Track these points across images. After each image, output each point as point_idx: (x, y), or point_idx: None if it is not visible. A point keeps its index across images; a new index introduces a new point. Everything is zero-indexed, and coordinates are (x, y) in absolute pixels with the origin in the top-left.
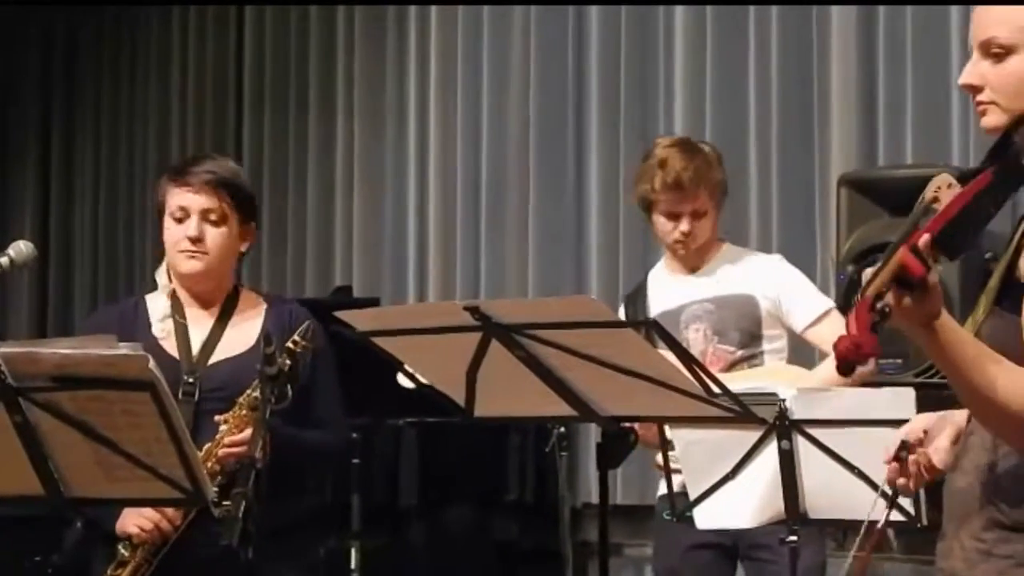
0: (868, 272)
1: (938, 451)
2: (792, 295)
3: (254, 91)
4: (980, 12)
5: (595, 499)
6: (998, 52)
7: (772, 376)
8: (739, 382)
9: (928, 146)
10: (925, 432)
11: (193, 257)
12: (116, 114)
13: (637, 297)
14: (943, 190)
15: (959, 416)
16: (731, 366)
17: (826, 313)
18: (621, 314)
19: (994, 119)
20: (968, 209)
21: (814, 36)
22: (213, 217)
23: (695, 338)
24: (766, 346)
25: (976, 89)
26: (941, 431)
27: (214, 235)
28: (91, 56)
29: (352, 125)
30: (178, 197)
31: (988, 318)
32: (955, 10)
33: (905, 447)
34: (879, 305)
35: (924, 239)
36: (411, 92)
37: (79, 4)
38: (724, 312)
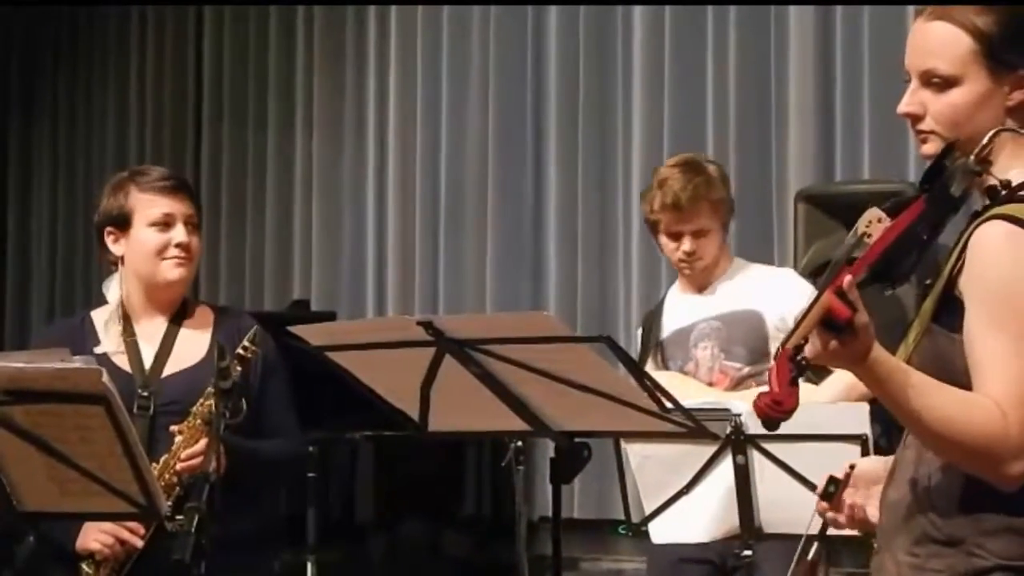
0: (796, 316)
1: (876, 506)
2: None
3: (213, 103)
4: (916, 37)
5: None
6: (938, 83)
7: None
8: (735, 400)
9: (885, 161)
10: (851, 472)
11: (181, 264)
12: (73, 123)
13: (654, 318)
14: (873, 224)
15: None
16: (738, 383)
17: None
18: (639, 335)
19: (934, 148)
20: (902, 240)
21: (772, 52)
22: (194, 223)
23: (703, 356)
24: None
25: (916, 118)
26: (880, 482)
27: (195, 242)
28: (48, 66)
29: (311, 138)
30: (161, 204)
31: (924, 337)
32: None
33: (834, 483)
34: (798, 358)
35: (847, 281)
36: (370, 105)
37: (36, 11)
38: (731, 329)
